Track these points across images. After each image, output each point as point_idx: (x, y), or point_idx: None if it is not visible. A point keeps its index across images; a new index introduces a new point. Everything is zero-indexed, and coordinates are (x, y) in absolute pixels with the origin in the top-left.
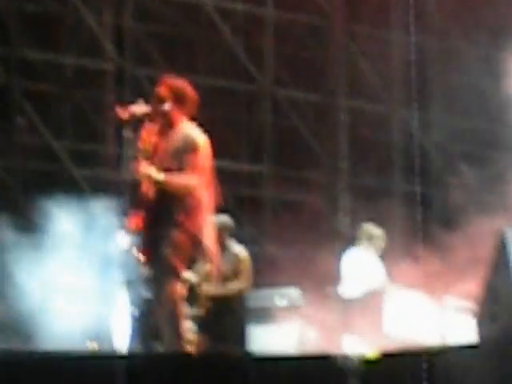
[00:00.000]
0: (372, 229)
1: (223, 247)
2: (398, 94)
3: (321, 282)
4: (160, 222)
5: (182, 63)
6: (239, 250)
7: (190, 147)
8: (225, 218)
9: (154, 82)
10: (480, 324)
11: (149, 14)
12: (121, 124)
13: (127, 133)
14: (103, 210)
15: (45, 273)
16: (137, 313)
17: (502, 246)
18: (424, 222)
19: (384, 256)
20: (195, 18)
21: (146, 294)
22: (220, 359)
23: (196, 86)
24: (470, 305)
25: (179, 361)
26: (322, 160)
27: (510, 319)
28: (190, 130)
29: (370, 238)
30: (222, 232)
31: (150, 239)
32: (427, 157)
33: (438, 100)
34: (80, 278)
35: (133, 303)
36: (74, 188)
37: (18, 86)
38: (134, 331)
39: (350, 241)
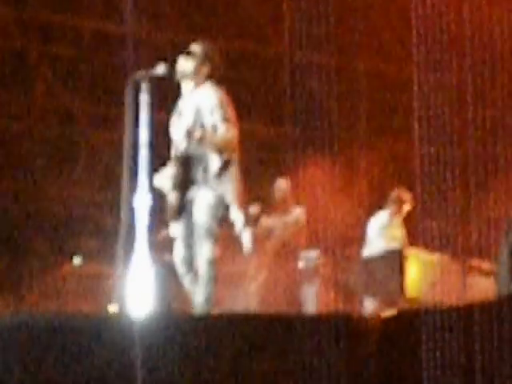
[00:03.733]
0: (401, 193)
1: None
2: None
3: (343, 243)
4: (193, 180)
5: (199, 26)
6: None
7: (222, 101)
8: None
9: (172, 44)
10: (501, 283)
11: None
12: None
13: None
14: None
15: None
16: (159, 275)
17: None
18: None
19: (410, 217)
20: None
21: (170, 255)
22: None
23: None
24: (493, 266)
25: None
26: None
27: None
28: (215, 88)
29: (399, 201)
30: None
31: (183, 199)
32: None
33: None
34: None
35: (154, 265)
36: (93, 151)
37: (35, 49)
38: (155, 293)
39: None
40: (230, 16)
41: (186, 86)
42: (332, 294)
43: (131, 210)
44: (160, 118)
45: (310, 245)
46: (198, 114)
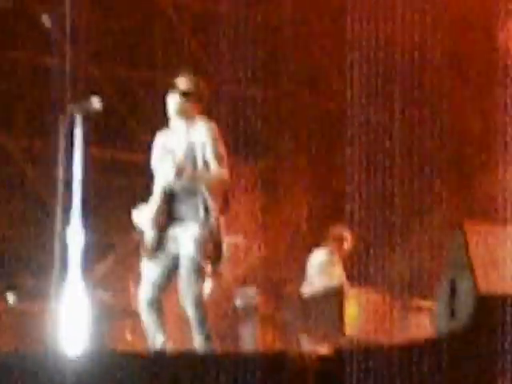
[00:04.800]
0: (340, 230)
1: None
2: None
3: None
4: (175, 218)
5: (136, 59)
6: None
7: (216, 138)
8: None
9: (108, 78)
10: (440, 321)
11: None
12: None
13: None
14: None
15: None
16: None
17: (461, 243)
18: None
19: (350, 256)
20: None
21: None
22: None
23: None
24: (431, 303)
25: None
26: None
27: (468, 315)
28: (208, 123)
29: (338, 239)
30: None
31: (162, 236)
32: None
33: None
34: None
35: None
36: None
37: None
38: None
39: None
40: (169, 50)
41: (177, 123)
42: (270, 333)
43: (64, 247)
44: (95, 152)
45: (247, 282)
46: (190, 150)
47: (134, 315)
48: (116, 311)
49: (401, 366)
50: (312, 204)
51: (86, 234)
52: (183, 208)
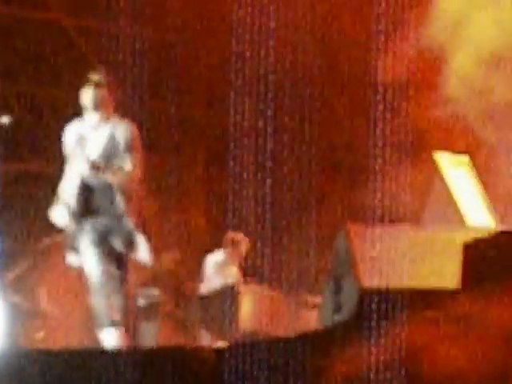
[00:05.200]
0: (234, 234)
1: None
2: None
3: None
4: (93, 210)
5: (42, 77)
6: None
7: (133, 137)
8: None
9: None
10: (326, 315)
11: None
12: None
13: None
14: None
15: None
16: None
17: (345, 242)
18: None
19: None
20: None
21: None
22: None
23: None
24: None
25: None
26: None
27: (350, 309)
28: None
29: (232, 242)
30: None
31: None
32: None
33: None
34: None
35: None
36: None
37: None
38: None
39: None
40: (73, 67)
41: (92, 116)
42: (172, 331)
43: None
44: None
45: (149, 283)
46: (107, 145)
47: (44, 316)
48: (27, 312)
49: (289, 357)
50: (211, 209)
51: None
52: (98, 201)
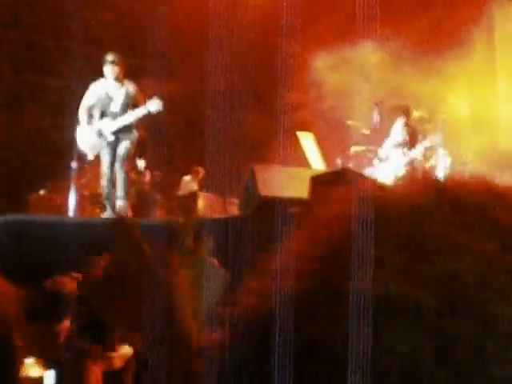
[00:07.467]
0: (198, 168)
1: None
2: None
3: None
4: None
5: None
6: None
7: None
8: None
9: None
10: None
11: None
12: None
13: None
14: None
15: None
16: None
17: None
18: None
19: None
20: None
21: None
22: None
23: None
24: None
25: None
26: None
27: (252, 208)
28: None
29: (195, 172)
30: None
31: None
32: None
33: None
34: None
35: None
36: None
37: None
38: None
39: None
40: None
41: (111, 85)
42: None
43: None
44: None
45: None
46: (125, 100)
47: None
48: None
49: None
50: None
51: None
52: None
